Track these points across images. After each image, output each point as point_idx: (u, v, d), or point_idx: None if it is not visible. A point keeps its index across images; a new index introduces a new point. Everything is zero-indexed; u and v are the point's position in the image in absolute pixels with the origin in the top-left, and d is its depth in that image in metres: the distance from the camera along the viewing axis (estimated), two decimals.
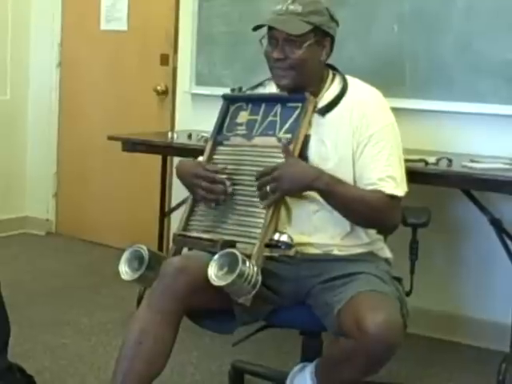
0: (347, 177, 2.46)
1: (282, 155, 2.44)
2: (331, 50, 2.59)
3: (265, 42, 2.56)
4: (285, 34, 2.47)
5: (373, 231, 2.58)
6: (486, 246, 3.66)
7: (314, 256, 2.50)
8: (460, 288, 3.81)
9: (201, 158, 2.68)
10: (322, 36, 2.53)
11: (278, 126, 2.53)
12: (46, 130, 5.55)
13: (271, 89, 2.67)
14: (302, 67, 2.50)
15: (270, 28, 2.52)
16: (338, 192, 2.40)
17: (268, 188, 2.37)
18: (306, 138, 2.50)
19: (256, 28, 2.56)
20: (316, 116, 2.52)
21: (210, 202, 2.51)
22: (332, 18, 2.54)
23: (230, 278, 2.21)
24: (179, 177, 2.64)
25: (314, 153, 2.50)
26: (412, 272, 2.67)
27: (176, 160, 4.33)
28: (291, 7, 2.49)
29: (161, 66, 4.88)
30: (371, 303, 2.23)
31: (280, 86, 2.58)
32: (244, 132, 2.60)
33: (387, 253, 2.62)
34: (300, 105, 2.51)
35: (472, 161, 3.24)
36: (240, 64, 4.27)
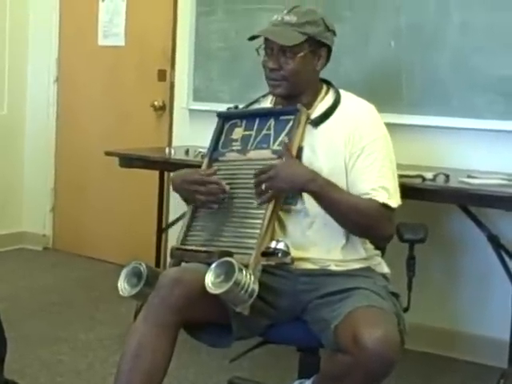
0: (340, 187, 2.46)
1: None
2: (328, 59, 2.61)
3: (262, 51, 2.59)
4: (279, 44, 2.50)
5: (371, 246, 2.59)
6: (483, 262, 3.66)
7: (311, 271, 2.50)
8: (457, 304, 3.80)
9: None
10: (317, 46, 2.55)
11: (272, 138, 2.55)
12: (43, 145, 5.55)
13: (265, 105, 2.70)
14: (296, 77, 2.53)
15: (267, 38, 2.54)
16: (331, 196, 2.40)
17: (263, 186, 2.39)
18: (299, 150, 2.51)
19: (252, 38, 2.58)
20: (309, 127, 2.54)
21: (212, 204, 2.53)
22: (328, 28, 2.57)
23: (226, 286, 2.21)
24: (175, 188, 2.65)
25: (306, 163, 2.50)
26: (409, 288, 2.66)
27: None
28: (286, 18, 2.53)
29: (158, 81, 4.89)
30: (369, 319, 2.22)
31: (274, 94, 2.62)
32: (239, 147, 2.62)
33: (385, 268, 2.62)
34: (293, 117, 2.53)
35: (469, 176, 3.24)
36: (237, 80, 4.28)
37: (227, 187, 2.50)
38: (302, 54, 2.51)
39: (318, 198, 2.41)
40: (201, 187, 2.51)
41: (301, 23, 2.50)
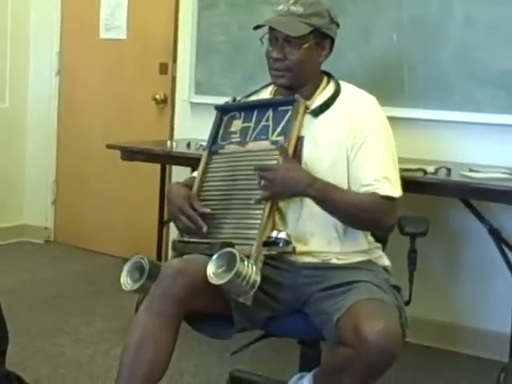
0: (341, 177, 2.48)
1: (275, 157, 2.46)
2: (330, 51, 2.62)
3: (265, 41, 2.59)
4: (285, 34, 2.50)
5: (372, 239, 2.60)
6: (484, 256, 3.66)
7: (312, 264, 2.50)
8: (459, 297, 3.81)
9: (195, 174, 2.69)
10: (322, 38, 2.56)
11: (270, 129, 2.55)
12: (44, 138, 5.55)
13: (265, 95, 2.71)
14: (300, 68, 2.54)
15: (272, 28, 2.55)
16: (331, 198, 2.41)
17: (261, 183, 2.40)
18: (300, 139, 2.52)
19: (257, 28, 2.59)
20: (309, 117, 2.54)
21: (188, 233, 2.53)
22: (332, 20, 2.58)
23: (227, 277, 2.22)
24: (167, 201, 2.65)
25: (307, 154, 2.51)
26: (411, 281, 2.66)
27: (175, 168, 4.36)
28: (293, 8, 2.53)
29: (160, 74, 4.89)
30: (370, 312, 2.22)
31: (277, 84, 2.63)
32: (238, 139, 2.63)
33: (386, 261, 2.63)
34: (291, 108, 2.53)
35: (471, 170, 3.24)
36: (239, 73, 4.27)
37: (205, 227, 2.46)
38: (307, 45, 2.52)
39: (319, 201, 2.42)
40: (184, 218, 2.49)
41: (307, 14, 2.51)
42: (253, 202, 2.43)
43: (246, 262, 2.24)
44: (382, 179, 2.45)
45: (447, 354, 3.72)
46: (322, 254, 2.51)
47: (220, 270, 2.26)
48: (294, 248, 2.39)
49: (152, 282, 2.38)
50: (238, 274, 2.22)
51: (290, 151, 2.48)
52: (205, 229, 2.47)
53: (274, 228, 2.43)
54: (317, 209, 2.46)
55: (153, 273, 2.40)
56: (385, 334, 2.14)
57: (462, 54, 3.64)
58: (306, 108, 2.54)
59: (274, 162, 2.45)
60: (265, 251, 2.37)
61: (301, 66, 2.53)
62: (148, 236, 4.40)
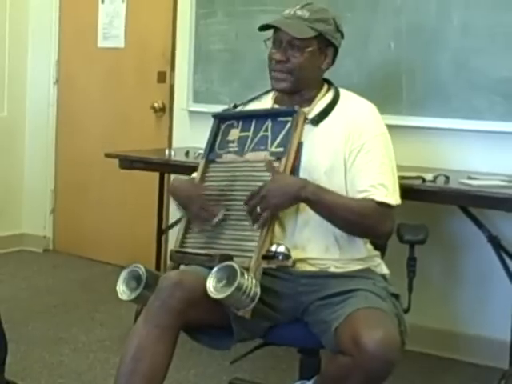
0: (339, 183, 2.48)
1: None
2: (333, 60, 2.63)
3: (269, 43, 2.61)
4: (289, 37, 2.53)
5: (370, 247, 2.59)
6: (483, 263, 3.66)
7: (311, 273, 2.50)
8: (458, 305, 3.80)
9: (195, 175, 2.69)
10: (326, 45, 2.58)
11: (269, 140, 2.55)
12: (43, 147, 5.55)
13: (266, 102, 2.71)
14: (301, 72, 2.55)
15: (276, 30, 2.56)
16: (325, 200, 2.41)
17: (258, 209, 2.38)
18: (299, 146, 2.52)
19: (262, 28, 2.60)
20: (309, 125, 2.54)
21: (201, 224, 2.53)
22: (337, 29, 2.60)
23: (228, 291, 2.22)
24: (172, 195, 2.65)
25: (306, 160, 2.52)
26: (410, 289, 2.66)
27: (173, 177, 4.34)
28: (299, 12, 2.56)
29: (158, 83, 4.89)
30: (369, 320, 2.23)
31: (277, 89, 2.63)
32: (236, 149, 2.62)
33: (384, 269, 2.62)
34: (290, 119, 2.53)
35: (469, 178, 3.24)
36: (237, 81, 4.27)
37: (221, 215, 2.48)
38: (310, 49, 2.53)
39: (312, 204, 2.41)
40: (196, 205, 2.51)
41: (313, 19, 2.53)
42: (256, 227, 2.42)
43: (246, 276, 2.24)
44: (378, 186, 2.44)
45: (447, 362, 3.71)
46: (320, 261, 2.51)
47: (220, 284, 2.25)
48: (293, 262, 2.39)
49: (149, 291, 2.38)
50: (238, 288, 2.21)
51: (290, 162, 2.48)
52: (221, 214, 2.48)
53: (272, 241, 2.42)
54: (312, 214, 2.46)
55: (150, 282, 2.40)
56: (384, 343, 2.14)
57: (461, 61, 3.64)
58: (306, 119, 2.54)
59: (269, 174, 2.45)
60: (264, 264, 2.36)
61: (302, 70, 2.54)
62: (147, 244, 4.40)
